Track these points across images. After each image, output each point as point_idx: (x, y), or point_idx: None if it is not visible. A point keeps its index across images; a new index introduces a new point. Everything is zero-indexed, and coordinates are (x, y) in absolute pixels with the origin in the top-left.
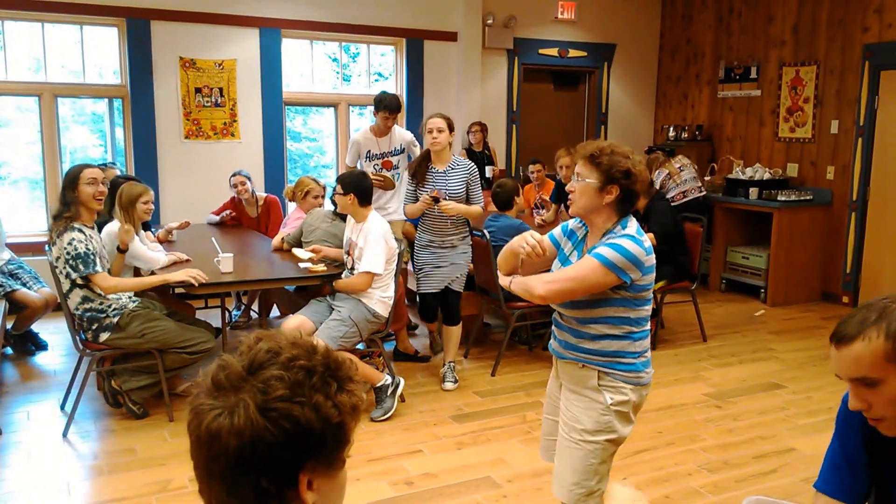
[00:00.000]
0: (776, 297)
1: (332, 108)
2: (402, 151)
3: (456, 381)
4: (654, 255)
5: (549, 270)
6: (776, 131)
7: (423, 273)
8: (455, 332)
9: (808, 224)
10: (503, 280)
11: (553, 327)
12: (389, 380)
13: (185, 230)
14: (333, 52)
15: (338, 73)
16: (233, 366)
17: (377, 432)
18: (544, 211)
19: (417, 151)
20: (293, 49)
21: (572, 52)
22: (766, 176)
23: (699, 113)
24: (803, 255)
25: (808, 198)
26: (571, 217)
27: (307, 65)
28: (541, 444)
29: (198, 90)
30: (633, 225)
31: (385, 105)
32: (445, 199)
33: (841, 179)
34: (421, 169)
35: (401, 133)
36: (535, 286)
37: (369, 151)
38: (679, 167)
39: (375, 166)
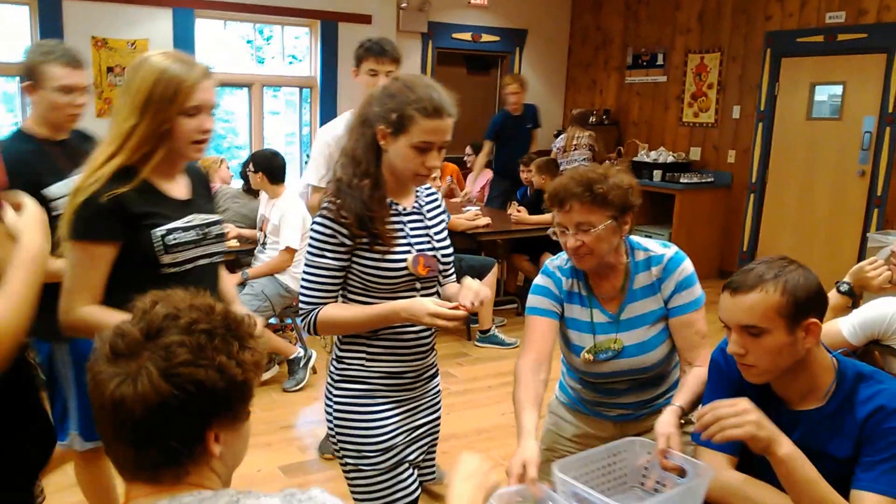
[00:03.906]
0: None
1: (244, 89)
2: None
3: None
4: None
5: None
6: (681, 116)
7: None
8: None
9: (708, 205)
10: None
11: (605, 403)
12: (302, 352)
13: None
14: (247, 34)
15: (252, 54)
16: (130, 332)
17: (290, 402)
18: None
19: None
20: (206, 29)
21: (485, 37)
22: (670, 159)
23: (607, 98)
24: (703, 234)
25: (709, 180)
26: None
27: (221, 46)
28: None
29: (110, 69)
30: (650, 241)
31: (369, 49)
32: None
33: (741, 163)
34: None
35: None
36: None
37: None
38: (574, 145)
39: None
